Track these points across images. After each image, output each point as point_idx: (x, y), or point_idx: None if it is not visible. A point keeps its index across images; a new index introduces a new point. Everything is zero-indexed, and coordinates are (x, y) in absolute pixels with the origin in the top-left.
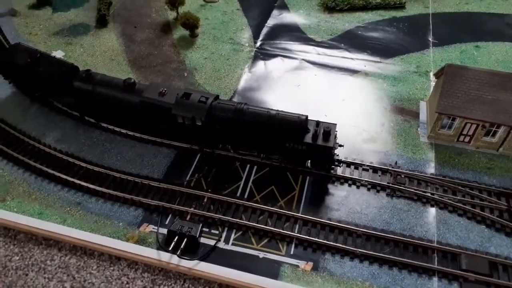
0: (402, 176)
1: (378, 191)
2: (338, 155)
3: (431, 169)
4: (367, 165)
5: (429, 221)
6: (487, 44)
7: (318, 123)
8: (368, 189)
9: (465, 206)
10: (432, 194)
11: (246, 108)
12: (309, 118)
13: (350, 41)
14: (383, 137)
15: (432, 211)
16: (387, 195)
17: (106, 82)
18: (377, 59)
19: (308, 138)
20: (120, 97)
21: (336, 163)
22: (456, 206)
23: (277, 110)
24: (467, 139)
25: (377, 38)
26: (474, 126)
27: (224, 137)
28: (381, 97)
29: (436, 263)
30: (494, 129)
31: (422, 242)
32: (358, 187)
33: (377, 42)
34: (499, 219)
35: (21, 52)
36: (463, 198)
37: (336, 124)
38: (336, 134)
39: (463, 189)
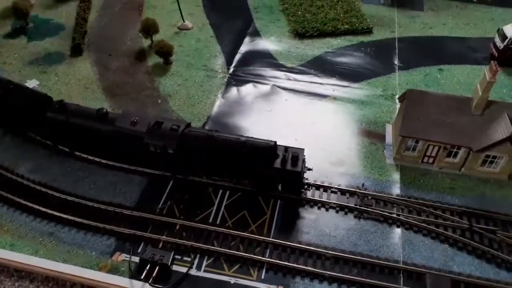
0: (369, 197)
1: (346, 213)
2: (307, 179)
3: (397, 190)
4: (335, 188)
5: (395, 242)
6: (450, 67)
7: (286, 148)
8: (337, 211)
9: (429, 226)
10: (398, 215)
11: (217, 135)
12: (278, 143)
13: (320, 66)
14: (350, 160)
15: (398, 231)
16: (355, 217)
17: (80, 112)
18: (345, 83)
19: (277, 163)
20: (93, 127)
21: (306, 186)
22: (420, 226)
23: (247, 137)
24: (430, 160)
25: (346, 63)
26: (436, 148)
27: (196, 164)
28: (349, 120)
29: (402, 283)
30: (455, 150)
31: (388, 262)
32: (327, 209)
33: (345, 67)
34: (461, 237)
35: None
36: (427, 218)
37: (304, 149)
38: (304, 158)
39: (427, 209)
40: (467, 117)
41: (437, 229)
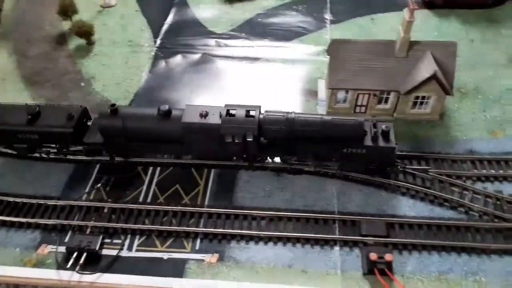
0: None
1: (281, 172)
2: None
3: None
4: None
5: (330, 194)
6: (381, 16)
7: (375, 124)
8: (272, 170)
9: (363, 175)
10: (327, 166)
11: (297, 116)
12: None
13: (251, 29)
14: None
15: (333, 183)
16: (289, 173)
17: (136, 115)
18: (278, 44)
19: (368, 141)
20: (158, 127)
21: (398, 162)
22: (354, 176)
23: (331, 116)
24: (363, 109)
25: (277, 23)
26: (366, 96)
27: (275, 148)
28: (283, 80)
29: (337, 233)
30: (384, 96)
31: (323, 214)
32: (262, 170)
33: (277, 27)
34: (395, 181)
35: (6, 111)
36: None
37: (392, 122)
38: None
39: None
40: (392, 61)
41: (372, 178)
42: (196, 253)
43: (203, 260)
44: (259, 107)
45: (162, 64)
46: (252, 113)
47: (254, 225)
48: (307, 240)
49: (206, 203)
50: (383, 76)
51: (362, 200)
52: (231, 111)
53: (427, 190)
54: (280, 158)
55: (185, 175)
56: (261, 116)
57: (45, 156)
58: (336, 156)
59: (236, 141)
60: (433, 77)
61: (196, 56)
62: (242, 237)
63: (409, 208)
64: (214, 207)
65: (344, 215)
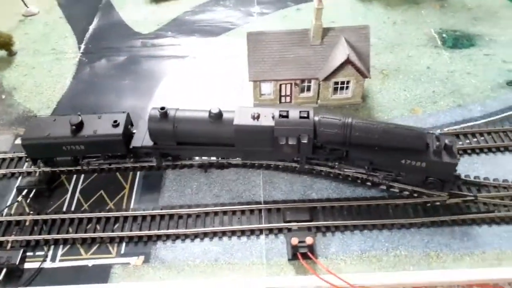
0: None
1: (208, 168)
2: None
3: None
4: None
5: (257, 184)
6: (307, 5)
7: (438, 137)
8: (199, 168)
9: (284, 163)
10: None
11: (356, 122)
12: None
13: (178, 28)
14: None
15: (259, 173)
16: (216, 168)
17: (187, 117)
18: (205, 40)
19: (430, 154)
20: (210, 129)
21: (456, 179)
22: (277, 165)
23: (393, 124)
24: (288, 99)
25: (205, 20)
26: (288, 86)
27: (329, 153)
28: (212, 77)
29: (263, 222)
30: (306, 84)
31: (249, 205)
32: (189, 167)
33: (205, 24)
34: (316, 166)
35: (45, 124)
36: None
37: (454, 136)
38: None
39: None
40: (308, 49)
41: (277, 162)
42: (121, 257)
43: (128, 264)
44: (311, 109)
45: (86, 69)
46: (306, 114)
47: (180, 223)
48: (233, 233)
49: (131, 206)
50: (301, 65)
51: (288, 187)
52: (284, 113)
53: (348, 171)
54: (334, 164)
55: (110, 180)
56: (316, 118)
57: (94, 167)
58: (394, 167)
59: (290, 143)
60: (347, 61)
61: (122, 59)
62: (168, 236)
63: (332, 190)
64: (140, 210)
65: (270, 204)
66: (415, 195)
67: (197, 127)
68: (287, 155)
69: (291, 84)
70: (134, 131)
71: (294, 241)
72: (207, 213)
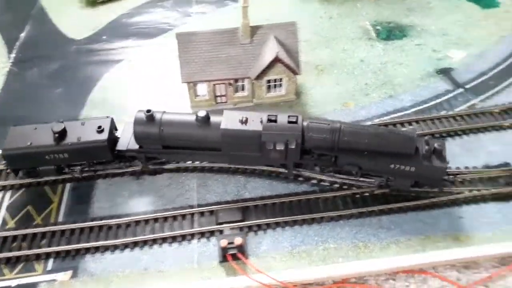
0: None
1: (140, 175)
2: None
3: None
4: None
5: (191, 188)
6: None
7: (427, 141)
8: (131, 175)
9: (219, 164)
10: (193, 161)
11: (344, 127)
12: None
13: (113, 31)
14: None
15: (192, 177)
16: (149, 175)
17: (173, 121)
18: (141, 42)
19: (419, 158)
20: (197, 133)
21: (447, 182)
22: (212, 167)
23: (382, 128)
24: (224, 99)
25: (142, 22)
26: (223, 86)
27: (317, 158)
28: (148, 80)
29: (195, 226)
30: (239, 83)
31: (183, 210)
32: (121, 176)
33: (142, 26)
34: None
35: (26, 133)
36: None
37: (444, 141)
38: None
39: None
40: (239, 48)
41: (211, 164)
42: (48, 274)
43: (55, 280)
44: (300, 115)
45: (17, 80)
46: (294, 119)
47: (110, 234)
48: (164, 240)
49: (60, 220)
50: (232, 64)
51: (221, 189)
52: (272, 118)
53: (280, 169)
54: (321, 169)
55: (37, 195)
56: (304, 123)
57: (78, 175)
58: (383, 172)
59: (278, 148)
60: (276, 59)
61: (55, 67)
62: (97, 248)
63: (265, 188)
64: (69, 223)
65: (202, 207)
66: (345, 187)
67: (184, 130)
68: (274, 160)
69: (225, 84)
70: (118, 135)
71: (223, 242)
72: (137, 222)
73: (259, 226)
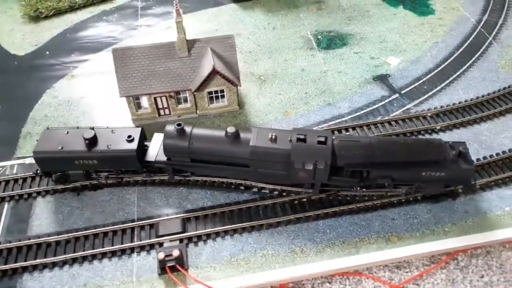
0: None
1: (81, 191)
2: None
3: None
4: None
5: (131, 202)
6: (192, 14)
7: (452, 145)
8: (71, 191)
9: (160, 176)
10: (135, 175)
11: (375, 141)
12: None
13: (57, 46)
14: None
15: (133, 191)
16: (89, 190)
17: (204, 136)
18: (85, 57)
19: (449, 163)
20: (226, 150)
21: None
22: (153, 180)
23: (410, 138)
24: (167, 111)
25: (86, 36)
26: (164, 98)
27: (349, 176)
28: (89, 96)
29: (135, 240)
30: (181, 96)
31: (123, 225)
32: (60, 193)
33: (85, 41)
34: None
35: (58, 137)
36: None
37: (464, 142)
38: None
39: None
40: (177, 61)
41: (152, 178)
42: None
43: None
44: (329, 134)
45: None
46: (323, 139)
47: (49, 251)
48: (103, 255)
49: None
50: (172, 77)
51: (163, 201)
52: (301, 137)
53: (221, 179)
54: (353, 188)
55: None
56: (335, 142)
57: (103, 182)
58: (414, 180)
59: (306, 168)
60: (214, 72)
61: None
62: (35, 267)
63: (207, 199)
64: (5, 243)
65: (143, 220)
66: (284, 194)
67: (213, 145)
68: (302, 179)
69: (166, 96)
70: (147, 145)
71: (161, 255)
72: (77, 238)
73: (199, 237)
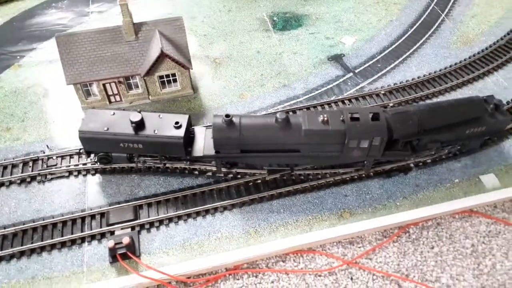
0: (54, 157)
1: (29, 183)
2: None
3: None
4: (8, 162)
5: (81, 192)
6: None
7: (486, 99)
8: (19, 184)
9: (115, 164)
10: (84, 164)
11: (423, 107)
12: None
13: (2, 35)
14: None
15: (84, 180)
16: (38, 182)
17: (252, 124)
18: (32, 46)
19: (487, 117)
20: (275, 135)
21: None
22: (104, 168)
23: (451, 100)
24: (118, 98)
25: (35, 24)
26: (113, 84)
27: (401, 148)
28: (38, 85)
29: (86, 229)
30: (132, 81)
31: (72, 215)
32: (7, 186)
33: (34, 29)
34: (143, 163)
35: (104, 117)
36: None
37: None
38: None
39: None
40: (125, 45)
41: (104, 166)
42: None
43: None
44: (380, 109)
45: None
46: (377, 116)
47: None
48: (53, 246)
49: None
50: (120, 62)
51: (114, 189)
52: (355, 115)
53: (176, 163)
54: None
55: None
56: (387, 116)
57: (141, 166)
58: (460, 139)
59: (362, 146)
60: (163, 55)
61: None
62: None
63: (160, 185)
64: None
65: (94, 210)
66: (239, 176)
67: (264, 133)
68: (355, 158)
69: (115, 82)
70: (193, 132)
71: (110, 243)
72: (24, 231)
73: (151, 224)
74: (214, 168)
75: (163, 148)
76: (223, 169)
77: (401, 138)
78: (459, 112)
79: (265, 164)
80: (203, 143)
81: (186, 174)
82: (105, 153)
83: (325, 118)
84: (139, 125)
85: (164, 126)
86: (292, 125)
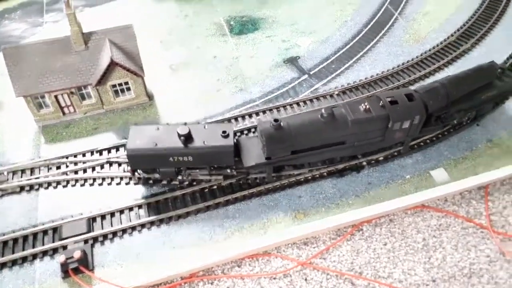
0: (4, 173)
1: None
2: None
3: (43, 152)
4: None
5: (33, 207)
6: (97, 8)
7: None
8: None
9: (69, 176)
10: (37, 178)
11: (446, 82)
12: None
13: None
14: None
15: (38, 195)
16: None
17: (304, 123)
18: None
19: (496, 81)
20: (322, 130)
21: None
22: (60, 180)
23: (466, 70)
24: (71, 109)
25: None
26: (66, 96)
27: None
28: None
29: (38, 245)
30: (84, 91)
31: (24, 231)
32: None
33: None
34: (98, 173)
35: (149, 133)
36: (67, 169)
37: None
38: None
39: (67, 160)
40: (75, 56)
41: (77, 175)
42: None
43: None
44: (410, 88)
45: None
46: (411, 96)
47: None
48: (3, 265)
49: None
50: (70, 73)
51: (67, 203)
52: (393, 99)
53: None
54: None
55: None
56: (419, 95)
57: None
58: (477, 106)
59: (404, 127)
60: (113, 63)
61: None
62: None
63: (114, 197)
64: None
65: (46, 224)
66: (194, 183)
67: (312, 129)
68: (397, 139)
69: (67, 93)
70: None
71: (62, 258)
72: None
73: (105, 236)
74: (264, 175)
75: (213, 159)
76: (273, 175)
77: (435, 113)
78: (476, 80)
79: (314, 162)
80: (251, 153)
81: (141, 184)
82: (152, 169)
83: (367, 106)
84: (188, 138)
85: (212, 136)
86: (337, 118)
